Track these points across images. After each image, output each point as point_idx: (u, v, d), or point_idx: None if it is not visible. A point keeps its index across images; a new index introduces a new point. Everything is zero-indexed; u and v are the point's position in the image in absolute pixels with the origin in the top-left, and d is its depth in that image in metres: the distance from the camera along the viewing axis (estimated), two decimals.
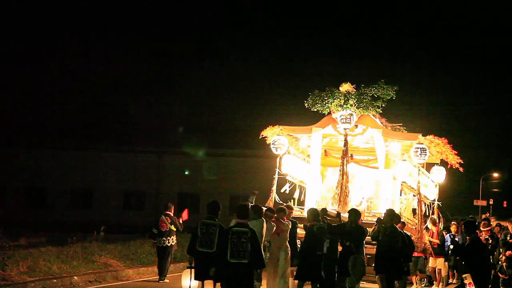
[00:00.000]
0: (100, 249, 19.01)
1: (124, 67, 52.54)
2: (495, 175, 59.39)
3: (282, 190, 18.02)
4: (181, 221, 17.08)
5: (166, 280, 16.48)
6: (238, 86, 51.97)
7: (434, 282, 17.71)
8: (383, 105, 16.94)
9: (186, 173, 41.27)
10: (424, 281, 18.24)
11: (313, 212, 13.63)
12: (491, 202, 52.57)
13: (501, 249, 16.73)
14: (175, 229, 16.94)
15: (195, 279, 12.13)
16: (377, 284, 14.36)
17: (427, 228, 17.59)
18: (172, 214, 17.13)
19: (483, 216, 31.91)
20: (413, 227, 17.39)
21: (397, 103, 18.34)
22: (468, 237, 13.87)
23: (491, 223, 20.31)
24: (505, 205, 55.46)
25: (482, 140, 57.72)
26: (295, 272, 13.97)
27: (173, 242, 16.98)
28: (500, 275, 16.13)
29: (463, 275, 13.45)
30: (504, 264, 16.03)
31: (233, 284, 10.87)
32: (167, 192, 39.77)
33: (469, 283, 13.19)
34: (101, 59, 55.99)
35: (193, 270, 12.09)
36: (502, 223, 20.63)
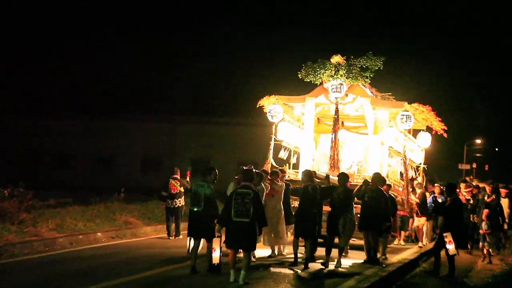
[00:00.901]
0: (121, 208, 19.09)
1: (140, 42, 52.18)
2: (478, 141, 58.71)
3: (279, 156, 17.51)
4: (188, 179, 16.77)
5: (180, 237, 16.20)
6: (241, 61, 51.43)
7: (420, 240, 17.16)
8: (371, 75, 16.32)
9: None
10: (410, 238, 17.77)
11: (307, 173, 13.08)
12: (474, 166, 52.11)
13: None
14: (183, 190, 16.58)
15: (188, 235, 11.90)
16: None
17: (414, 190, 17.08)
18: (179, 177, 16.75)
19: (467, 179, 31.43)
20: (400, 188, 16.93)
21: (386, 73, 17.73)
22: (449, 197, 13.43)
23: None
24: (486, 169, 55.10)
25: (466, 108, 57.00)
26: (292, 230, 13.67)
27: (183, 202, 16.70)
28: (481, 231, 15.73)
29: (444, 234, 13.09)
30: (483, 221, 15.63)
31: (237, 241, 10.61)
32: (181, 157, 39.17)
33: (449, 241, 12.98)
34: (119, 32, 55.56)
35: None
36: (481, 184, 20.21)
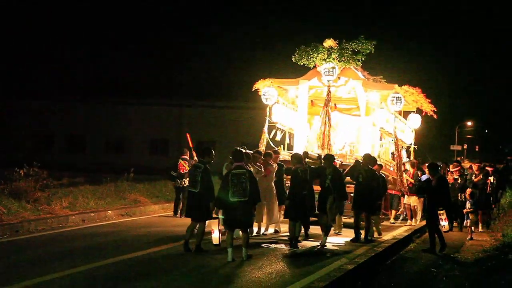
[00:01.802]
0: (130, 188, 18.91)
1: (149, 35, 51.78)
2: (469, 123, 57.97)
3: (271, 136, 16.76)
4: (195, 159, 16.18)
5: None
6: (241, 49, 51.15)
7: (408, 218, 16.59)
8: (363, 59, 15.72)
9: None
10: (400, 216, 17.19)
11: (297, 156, 12.49)
12: (465, 147, 51.41)
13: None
14: None
15: (185, 216, 11.39)
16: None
17: (406, 170, 16.55)
18: (188, 158, 16.29)
19: (458, 159, 30.93)
20: (391, 168, 16.42)
21: (379, 56, 17.09)
22: (433, 177, 12.86)
23: (462, 164, 19.37)
24: (477, 149, 54.48)
25: (459, 92, 56.20)
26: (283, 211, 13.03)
27: None
28: (464, 210, 15.51)
29: (439, 212, 12.76)
30: (468, 200, 15.35)
31: (235, 220, 10.32)
32: (185, 140, 38.60)
33: (445, 218, 12.84)
34: (129, 26, 55.12)
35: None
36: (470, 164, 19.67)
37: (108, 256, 10.21)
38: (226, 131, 38.68)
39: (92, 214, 15.23)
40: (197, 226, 10.94)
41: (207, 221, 11.08)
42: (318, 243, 12.27)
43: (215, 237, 11.42)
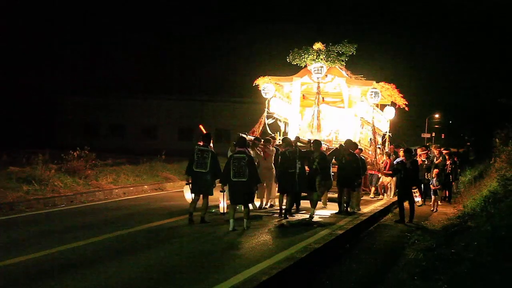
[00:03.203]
0: (162, 167, 18.81)
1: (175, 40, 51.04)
2: (436, 115, 56.85)
3: (269, 123, 15.95)
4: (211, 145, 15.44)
5: None
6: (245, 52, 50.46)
7: (383, 193, 15.79)
8: (346, 59, 14.89)
9: None
10: (378, 192, 16.34)
11: (286, 140, 11.76)
12: (433, 134, 50.26)
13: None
14: None
15: (192, 192, 10.47)
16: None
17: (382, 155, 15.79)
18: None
19: (428, 145, 29.89)
20: (370, 152, 15.64)
21: (360, 58, 16.14)
22: (408, 160, 12.03)
23: (433, 149, 18.44)
24: (443, 137, 53.51)
25: (428, 86, 54.81)
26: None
27: None
28: (432, 187, 14.67)
29: (413, 189, 12.39)
30: (434, 178, 14.60)
31: (236, 195, 9.70)
32: (208, 128, 37.81)
33: (419, 195, 12.84)
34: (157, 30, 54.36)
35: (189, 186, 10.53)
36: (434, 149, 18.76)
37: (140, 224, 9.95)
38: (238, 121, 37.89)
39: (132, 188, 15.10)
40: (201, 201, 10.22)
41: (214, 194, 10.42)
42: (308, 215, 11.50)
43: (222, 206, 10.93)
